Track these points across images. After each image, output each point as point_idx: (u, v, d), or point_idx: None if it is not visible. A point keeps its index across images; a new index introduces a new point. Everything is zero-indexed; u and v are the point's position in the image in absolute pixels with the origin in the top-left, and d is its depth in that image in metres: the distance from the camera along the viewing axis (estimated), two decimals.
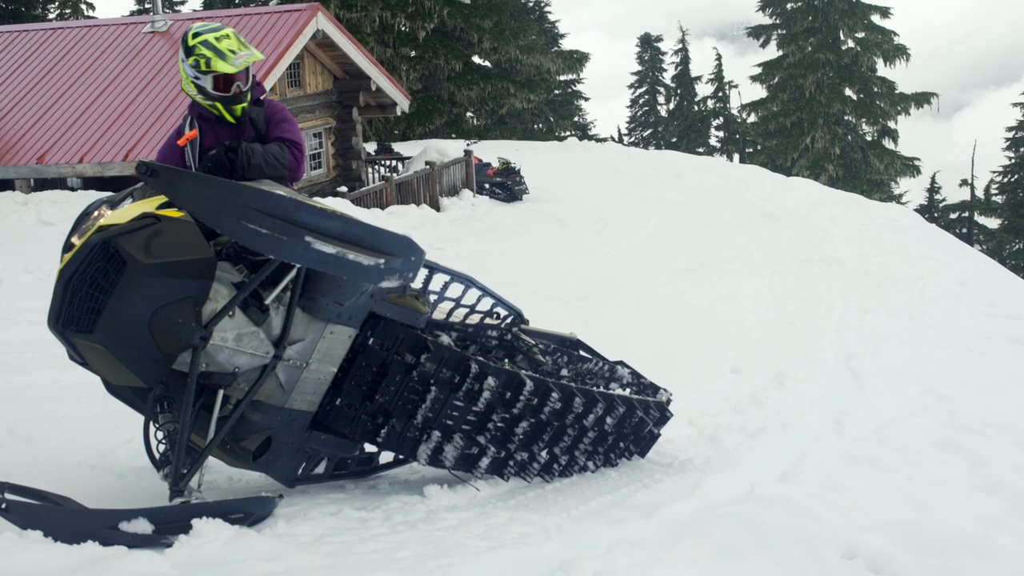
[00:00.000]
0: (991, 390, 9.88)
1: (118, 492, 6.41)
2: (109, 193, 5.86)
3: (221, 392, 5.76)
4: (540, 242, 21.82)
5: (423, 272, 6.52)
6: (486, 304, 7.28)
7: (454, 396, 6.41)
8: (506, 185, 28.79)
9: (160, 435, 6.01)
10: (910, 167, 58.51)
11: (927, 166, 59.66)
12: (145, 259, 5.20)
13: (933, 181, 62.88)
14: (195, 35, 6.02)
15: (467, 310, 7.22)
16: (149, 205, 5.40)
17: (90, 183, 23.20)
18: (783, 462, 7.32)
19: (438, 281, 6.83)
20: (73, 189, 22.79)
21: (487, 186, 29.15)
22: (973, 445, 7.75)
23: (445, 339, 6.68)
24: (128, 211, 5.38)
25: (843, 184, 51.30)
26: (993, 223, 61.22)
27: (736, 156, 67.31)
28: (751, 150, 65.77)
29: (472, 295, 7.08)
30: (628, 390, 7.76)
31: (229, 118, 6.19)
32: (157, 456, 6.10)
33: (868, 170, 58.27)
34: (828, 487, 6.66)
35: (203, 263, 5.38)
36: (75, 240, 5.49)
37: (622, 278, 16.45)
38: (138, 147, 22.79)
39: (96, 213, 5.57)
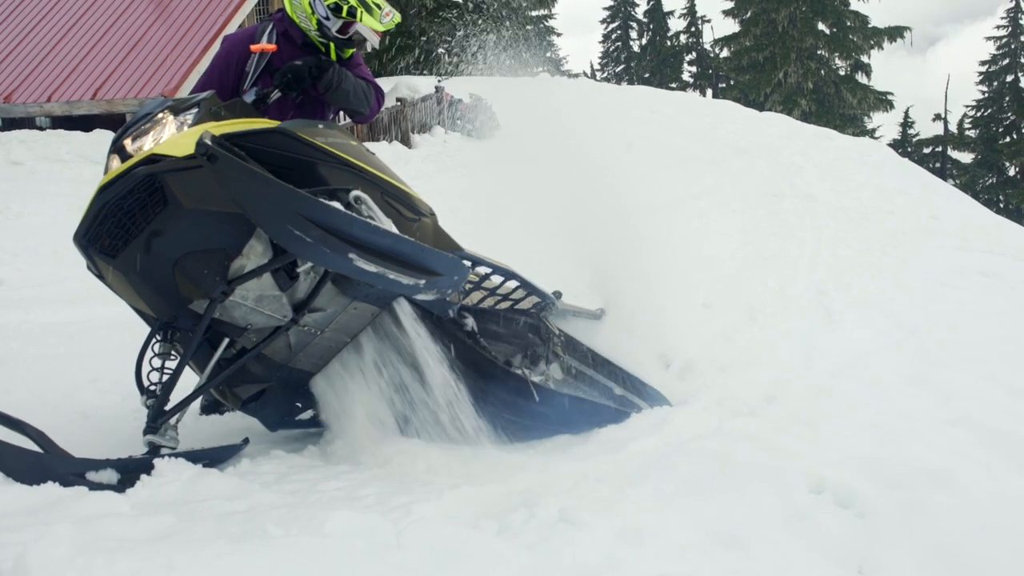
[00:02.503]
0: (962, 324, 9.89)
1: (81, 432, 6.34)
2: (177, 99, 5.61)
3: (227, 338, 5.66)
4: (512, 178, 21.71)
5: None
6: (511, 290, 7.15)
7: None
8: (477, 122, 28.68)
9: (156, 363, 5.84)
10: (883, 102, 58.63)
11: (900, 100, 59.95)
12: (188, 203, 5.03)
13: (906, 116, 63.13)
14: None
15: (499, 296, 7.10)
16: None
17: (59, 122, 22.98)
18: (752, 397, 7.31)
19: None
20: (42, 128, 22.55)
21: (458, 122, 29.04)
22: (942, 379, 7.76)
23: (470, 321, 6.54)
24: (186, 140, 5.13)
25: (816, 119, 51.33)
26: (966, 157, 61.53)
27: (709, 91, 67.23)
28: (724, 85, 65.73)
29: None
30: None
31: (333, 57, 6.09)
32: (145, 383, 5.92)
33: (841, 105, 58.36)
34: (797, 422, 6.65)
35: (245, 219, 5.22)
36: (127, 144, 5.32)
37: (581, 212, 16.32)
38: (106, 85, 22.62)
39: (160, 116, 5.36)
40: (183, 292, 5.27)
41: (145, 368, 5.71)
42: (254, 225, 5.22)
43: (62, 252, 12.70)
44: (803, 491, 5.31)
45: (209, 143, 4.77)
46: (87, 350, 8.65)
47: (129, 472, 5.18)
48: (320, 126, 5.59)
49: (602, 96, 36.51)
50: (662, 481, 5.32)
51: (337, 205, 5.03)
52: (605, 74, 74.64)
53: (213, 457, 5.61)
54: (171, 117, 5.35)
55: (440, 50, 53.63)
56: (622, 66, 74.97)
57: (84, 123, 21.91)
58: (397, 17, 6.05)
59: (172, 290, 5.27)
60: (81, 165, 18.71)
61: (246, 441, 5.92)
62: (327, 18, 5.95)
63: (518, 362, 6.93)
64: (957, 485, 5.39)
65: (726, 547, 4.64)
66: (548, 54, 64.46)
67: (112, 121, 22.02)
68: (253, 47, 6.02)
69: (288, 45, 6.10)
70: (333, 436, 5.99)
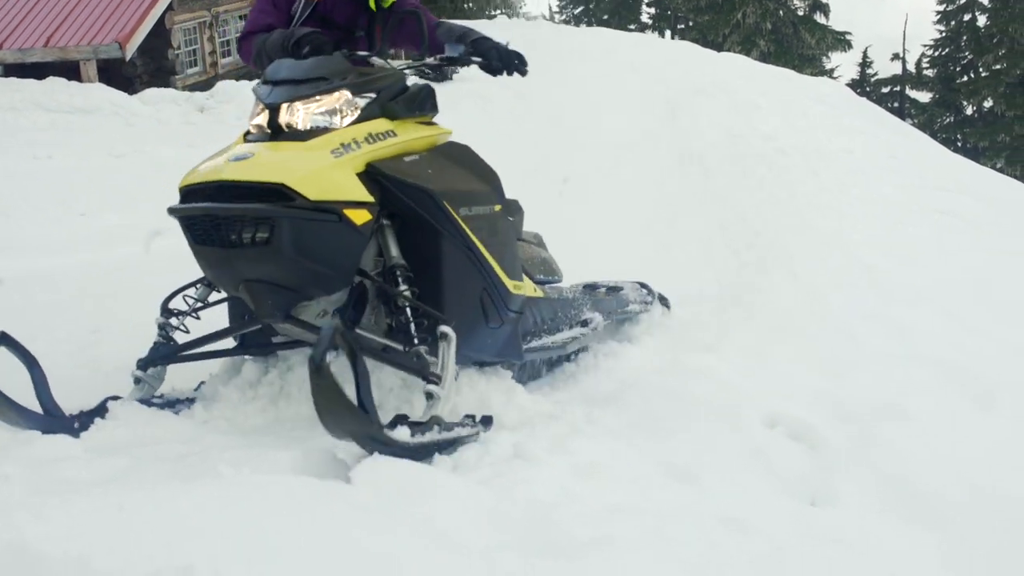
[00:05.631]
0: (919, 261, 9.93)
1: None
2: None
3: None
4: (470, 119, 21.59)
5: None
6: None
7: None
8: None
9: (189, 301, 5.78)
10: (841, 42, 58.55)
11: (858, 40, 59.72)
12: (290, 252, 4.85)
13: (865, 55, 63.03)
14: None
15: None
16: (361, 161, 5.09)
17: (11, 70, 22.76)
18: (707, 333, 7.34)
19: None
20: None
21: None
22: (898, 315, 7.81)
23: None
24: (328, 177, 4.91)
25: (774, 59, 51.13)
26: (924, 97, 61.61)
27: (667, 32, 67.02)
28: (682, 26, 65.53)
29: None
30: None
31: (372, 7, 6.07)
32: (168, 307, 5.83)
33: (799, 45, 58.23)
34: (751, 358, 6.69)
35: (329, 278, 5.13)
36: (283, 109, 5.16)
37: (547, 154, 16.29)
38: (59, 31, 22.45)
39: (335, 89, 5.23)
40: (239, 295, 5.21)
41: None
42: (334, 285, 5.20)
43: (16, 202, 12.62)
44: (757, 425, 5.37)
45: (320, 359, 4.16)
46: (43, 301, 8.59)
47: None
48: (477, 184, 5.75)
49: (560, 38, 36.36)
50: (616, 417, 5.35)
51: (406, 433, 4.66)
52: (564, 16, 74.20)
53: (170, 402, 5.63)
54: (344, 96, 5.25)
55: None
56: (581, 7, 74.51)
57: (37, 71, 21.70)
58: None
59: (232, 288, 5.21)
60: (35, 113, 18.55)
61: (202, 384, 5.92)
62: None
63: None
64: (910, 418, 5.47)
65: (679, 480, 4.68)
66: None
67: (65, 68, 21.80)
68: None
69: None
70: (289, 377, 5.96)
